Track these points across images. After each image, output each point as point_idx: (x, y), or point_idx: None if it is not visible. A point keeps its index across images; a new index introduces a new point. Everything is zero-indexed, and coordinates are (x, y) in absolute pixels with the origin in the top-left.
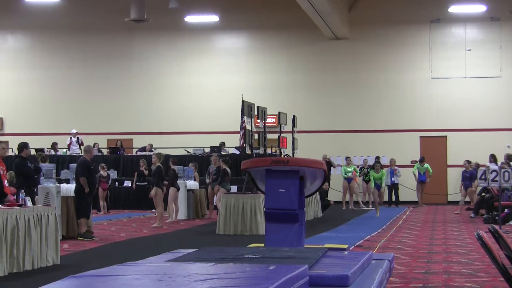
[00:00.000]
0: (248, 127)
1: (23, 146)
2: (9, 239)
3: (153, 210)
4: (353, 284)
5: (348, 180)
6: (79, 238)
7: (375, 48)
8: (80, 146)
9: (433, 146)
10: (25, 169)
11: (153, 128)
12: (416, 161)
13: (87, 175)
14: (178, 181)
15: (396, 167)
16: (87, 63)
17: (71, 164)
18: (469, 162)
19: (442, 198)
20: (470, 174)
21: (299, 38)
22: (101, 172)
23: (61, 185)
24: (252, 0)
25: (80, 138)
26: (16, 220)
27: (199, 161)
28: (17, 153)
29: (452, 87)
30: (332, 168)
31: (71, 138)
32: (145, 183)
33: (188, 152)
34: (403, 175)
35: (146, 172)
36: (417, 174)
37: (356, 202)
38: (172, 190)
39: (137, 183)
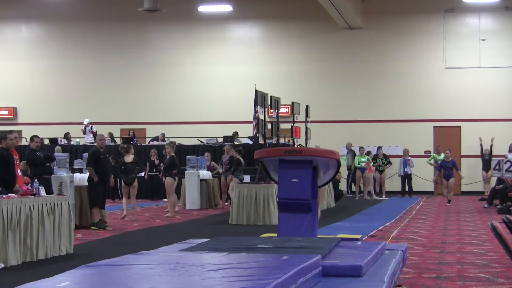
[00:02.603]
0: (261, 117)
1: (32, 138)
2: (22, 228)
3: (164, 200)
4: (366, 274)
5: (362, 170)
6: (92, 227)
7: (388, 38)
8: (94, 136)
9: (447, 136)
10: (34, 158)
11: (166, 117)
12: (430, 152)
13: (95, 164)
14: (190, 171)
15: (409, 157)
16: (100, 52)
17: (84, 154)
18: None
19: (456, 189)
20: (451, 164)
21: (313, 28)
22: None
23: (74, 174)
24: None
25: (92, 127)
26: (30, 209)
27: (212, 151)
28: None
29: (466, 77)
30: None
31: (85, 127)
32: (157, 173)
33: (201, 142)
34: (416, 165)
35: (157, 162)
36: (433, 162)
37: (369, 193)
38: (168, 180)
39: (148, 173)
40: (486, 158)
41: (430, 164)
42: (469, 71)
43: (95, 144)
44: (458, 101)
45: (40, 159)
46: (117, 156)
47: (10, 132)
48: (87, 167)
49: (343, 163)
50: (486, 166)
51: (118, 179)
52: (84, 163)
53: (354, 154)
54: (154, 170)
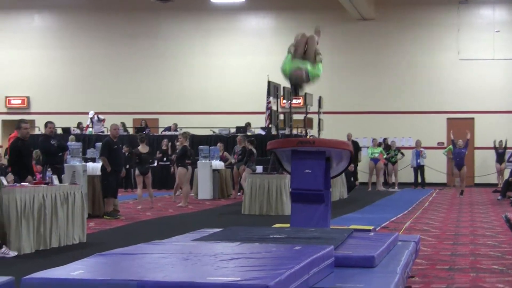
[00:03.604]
0: (274, 107)
1: (46, 124)
2: (36, 217)
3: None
4: (378, 265)
5: (374, 161)
6: (104, 217)
7: (401, 29)
8: (103, 125)
9: (460, 128)
10: (47, 146)
11: (178, 108)
12: (443, 143)
13: (108, 154)
14: (203, 161)
15: (422, 149)
16: (113, 42)
17: (97, 143)
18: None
19: (469, 180)
20: (464, 150)
21: (325, 19)
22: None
23: (87, 163)
24: None
25: (99, 116)
26: (43, 198)
27: (224, 141)
28: (43, 131)
29: (480, 69)
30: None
31: (91, 119)
32: (168, 163)
33: (213, 132)
34: (429, 157)
35: (169, 152)
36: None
37: (383, 184)
38: (180, 170)
39: (159, 163)
40: (500, 151)
41: (446, 155)
42: (483, 63)
43: (108, 133)
44: (471, 93)
45: (53, 148)
46: (130, 146)
47: (23, 121)
48: (100, 156)
49: None
50: (500, 159)
51: (131, 169)
52: (97, 153)
53: (356, 145)
54: (165, 159)
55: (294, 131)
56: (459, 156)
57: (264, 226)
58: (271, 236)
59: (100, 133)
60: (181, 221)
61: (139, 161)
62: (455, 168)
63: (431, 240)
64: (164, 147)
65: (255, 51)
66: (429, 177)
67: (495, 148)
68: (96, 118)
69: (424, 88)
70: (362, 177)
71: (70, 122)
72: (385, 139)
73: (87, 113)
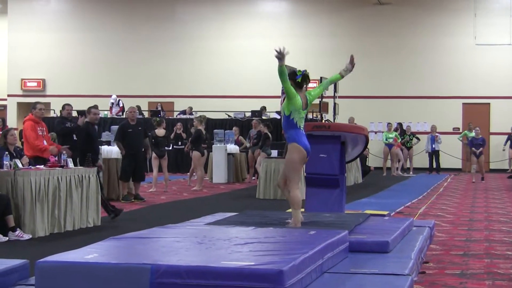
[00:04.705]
0: None
1: (63, 106)
2: (50, 200)
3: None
4: (393, 250)
5: (389, 146)
6: (121, 200)
7: (418, 13)
8: (122, 111)
9: (476, 113)
10: (61, 128)
11: (193, 91)
12: (459, 128)
13: (123, 138)
14: (218, 145)
15: (437, 134)
16: (129, 25)
17: (112, 126)
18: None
19: (484, 166)
20: (481, 141)
21: (342, 3)
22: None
23: (103, 147)
24: None
25: (120, 101)
26: (58, 181)
27: (240, 125)
28: (58, 114)
29: (496, 54)
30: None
31: (112, 103)
32: (182, 146)
33: (228, 116)
34: (444, 142)
35: (184, 135)
36: (464, 139)
37: (397, 169)
38: (195, 154)
39: (174, 146)
40: None
41: (461, 140)
42: (499, 48)
43: (123, 117)
44: (487, 78)
45: (67, 130)
46: (147, 129)
47: (39, 103)
48: (115, 140)
49: None
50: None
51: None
52: (112, 136)
53: None
54: (180, 143)
55: (310, 116)
56: (476, 145)
57: (278, 211)
58: (286, 220)
59: (117, 117)
60: (196, 205)
61: (155, 144)
62: (472, 156)
63: (445, 226)
64: (178, 131)
65: (271, 35)
66: (444, 162)
67: (510, 133)
68: (117, 102)
69: (440, 73)
70: (377, 162)
71: (85, 105)
72: (400, 124)
73: (103, 96)
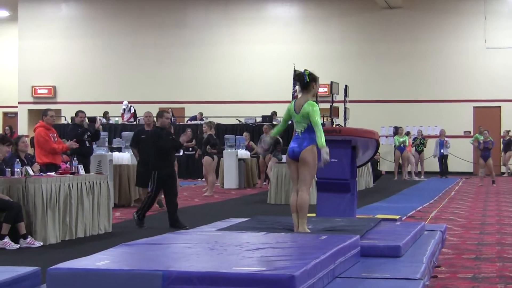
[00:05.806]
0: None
1: (76, 113)
2: (61, 207)
3: (200, 179)
4: (405, 254)
5: (400, 149)
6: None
7: (428, 17)
8: (133, 117)
9: (487, 116)
10: (73, 134)
11: (204, 97)
12: (470, 132)
13: (137, 144)
14: (229, 150)
15: (446, 138)
16: (139, 31)
17: (123, 133)
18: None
19: (495, 169)
20: (490, 144)
21: (352, 7)
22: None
23: (113, 153)
24: None
25: (132, 107)
26: (69, 188)
27: (250, 131)
28: (70, 121)
29: (507, 57)
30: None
31: (124, 109)
32: (193, 152)
33: (239, 121)
34: (455, 145)
35: (193, 142)
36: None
37: (409, 173)
38: (206, 159)
39: (185, 152)
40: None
41: (472, 144)
42: (509, 51)
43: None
44: (498, 81)
45: (78, 137)
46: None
47: (49, 110)
48: (130, 146)
49: None
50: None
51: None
52: (123, 142)
53: None
54: (190, 149)
55: (320, 120)
56: (485, 148)
57: (289, 216)
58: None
59: (128, 123)
60: (207, 210)
61: None
62: (481, 159)
63: (457, 230)
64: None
65: (282, 40)
66: (455, 166)
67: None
68: (128, 108)
69: (451, 77)
70: (389, 166)
71: (96, 111)
72: (398, 128)
73: (114, 103)
